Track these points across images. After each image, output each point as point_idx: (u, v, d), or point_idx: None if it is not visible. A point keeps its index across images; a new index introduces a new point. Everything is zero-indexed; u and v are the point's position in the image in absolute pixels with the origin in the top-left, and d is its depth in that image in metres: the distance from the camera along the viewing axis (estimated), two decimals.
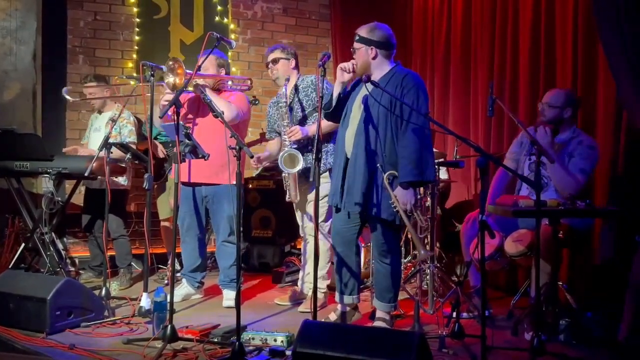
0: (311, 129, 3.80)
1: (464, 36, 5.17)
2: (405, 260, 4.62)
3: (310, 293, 3.75)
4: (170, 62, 3.67)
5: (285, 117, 3.88)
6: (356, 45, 3.35)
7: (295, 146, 3.78)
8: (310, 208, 3.91)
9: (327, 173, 3.81)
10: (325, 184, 3.75)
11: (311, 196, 3.88)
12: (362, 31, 3.35)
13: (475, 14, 5.03)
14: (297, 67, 4.01)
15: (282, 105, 3.89)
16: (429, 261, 3.74)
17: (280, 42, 4.18)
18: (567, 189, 3.39)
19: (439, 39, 5.49)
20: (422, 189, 3.82)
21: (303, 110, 3.89)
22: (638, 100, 2.87)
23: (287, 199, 3.94)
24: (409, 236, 4.53)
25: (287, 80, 3.93)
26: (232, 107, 3.79)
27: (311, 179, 3.09)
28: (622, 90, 3.00)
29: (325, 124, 3.63)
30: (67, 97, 4.52)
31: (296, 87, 3.92)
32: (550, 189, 3.55)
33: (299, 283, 4.13)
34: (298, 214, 4.08)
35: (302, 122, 3.89)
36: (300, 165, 3.67)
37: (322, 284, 3.92)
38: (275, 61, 3.95)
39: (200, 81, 3.81)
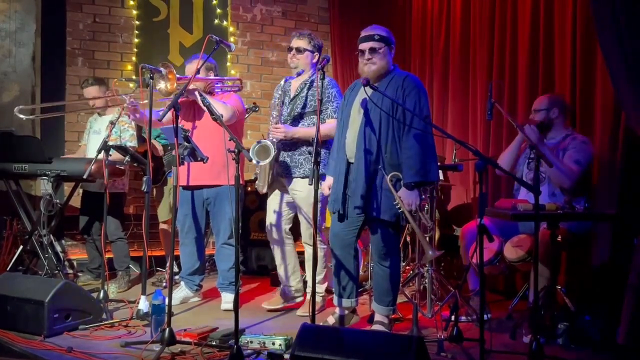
0: (296, 131, 3.71)
1: (462, 39, 5.17)
2: (404, 264, 4.62)
3: (308, 296, 3.75)
4: (161, 68, 3.68)
5: (277, 108, 3.80)
6: (376, 44, 3.25)
7: (275, 141, 3.71)
8: (301, 219, 3.86)
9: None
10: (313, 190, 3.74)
11: (304, 200, 3.78)
12: (380, 30, 3.29)
13: (474, 17, 5.03)
14: (317, 63, 3.82)
15: (278, 96, 3.82)
16: (429, 264, 3.73)
17: (307, 30, 3.93)
18: (563, 180, 3.44)
19: (438, 42, 5.49)
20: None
21: (304, 107, 3.78)
22: (636, 103, 2.87)
23: (255, 185, 3.85)
24: (408, 239, 4.55)
25: (299, 74, 3.80)
26: (228, 108, 3.79)
27: (310, 184, 3.07)
28: (620, 93, 3.01)
29: (323, 129, 3.56)
30: (20, 115, 4.38)
31: (311, 83, 3.77)
32: (545, 184, 3.59)
33: (283, 287, 4.00)
34: (269, 214, 3.95)
35: (297, 119, 3.79)
36: (271, 157, 3.55)
37: (320, 288, 3.90)
38: (300, 50, 3.77)
39: (190, 85, 3.81)
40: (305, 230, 3.87)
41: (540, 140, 3.51)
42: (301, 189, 3.78)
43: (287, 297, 3.96)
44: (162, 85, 3.68)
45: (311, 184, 3.53)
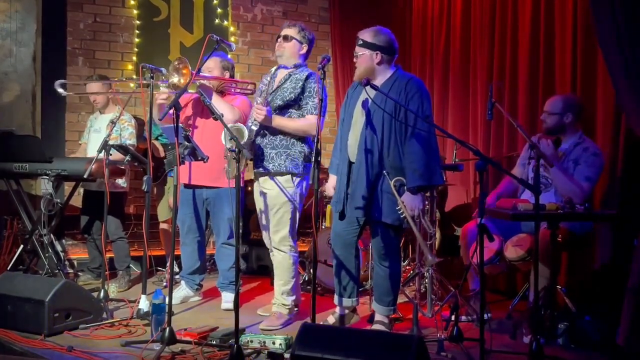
0: (277, 120, 3.49)
1: (463, 39, 5.17)
2: (405, 264, 4.62)
3: (272, 308, 3.65)
4: (176, 62, 3.64)
5: (262, 95, 3.60)
6: (359, 50, 3.29)
7: (257, 124, 3.52)
8: (266, 218, 3.64)
9: (290, 177, 3.56)
10: (287, 189, 3.57)
11: (273, 202, 3.59)
12: (366, 35, 3.29)
13: (475, 17, 5.03)
14: (306, 56, 3.70)
15: (267, 82, 3.66)
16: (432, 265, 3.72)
17: (301, 23, 3.78)
18: (573, 197, 3.36)
19: (439, 42, 5.49)
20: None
21: (282, 100, 3.55)
22: (636, 105, 2.88)
23: (225, 171, 3.46)
24: (409, 239, 4.55)
25: (281, 59, 3.63)
26: (235, 111, 3.78)
27: (310, 182, 3.06)
28: (620, 95, 3.01)
29: (302, 125, 3.49)
30: (60, 89, 4.33)
31: (289, 74, 3.61)
32: (551, 189, 3.57)
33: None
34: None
35: (277, 111, 3.57)
36: (244, 139, 3.33)
37: (287, 301, 3.64)
38: (287, 38, 3.61)
39: (206, 83, 3.81)
40: (273, 234, 3.62)
41: (556, 157, 3.45)
42: (271, 187, 3.58)
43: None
44: (175, 79, 3.64)
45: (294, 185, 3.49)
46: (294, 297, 3.67)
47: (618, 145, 3.66)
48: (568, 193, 3.39)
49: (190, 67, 3.63)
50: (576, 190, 3.38)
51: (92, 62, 5.65)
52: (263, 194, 3.64)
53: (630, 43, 2.82)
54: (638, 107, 2.87)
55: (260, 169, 3.59)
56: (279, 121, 3.51)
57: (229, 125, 3.20)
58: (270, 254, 3.81)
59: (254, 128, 3.56)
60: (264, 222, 3.69)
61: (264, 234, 3.75)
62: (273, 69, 3.79)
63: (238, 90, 4.05)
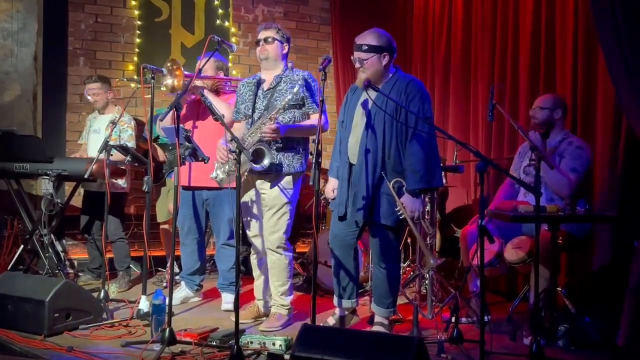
0: (288, 132, 3.43)
1: (464, 41, 5.17)
2: (404, 265, 4.62)
3: (272, 310, 3.63)
4: (169, 64, 3.68)
5: (264, 100, 3.53)
6: (363, 55, 3.21)
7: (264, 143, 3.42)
8: (265, 220, 3.57)
9: (291, 178, 3.53)
10: (287, 190, 3.53)
11: (270, 202, 3.52)
12: (370, 39, 3.23)
13: (476, 18, 5.03)
14: (287, 55, 3.68)
15: (248, 90, 3.62)
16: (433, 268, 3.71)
17: (275, 23, 3.78)
18: (561, 189, 3.44)
19: (440, 43, 5.49)
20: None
21: (283, 100, 3.45)
22: (636, 105, 2.88)
23: (211, 175, 3.53)
24: (409, 240, 4.54)
25: (266, 61, 3.59)
26: (231, 109, 3.79)
27: (311, 183, 3.04)
28: (620, 95, 3.01)
29: (312, 125, 3.41)
30: (89, 97, 4.64)
31: (280, 77, 3.58)
32: (544, 189, 3.58)
33: (258, 302, 3.77)
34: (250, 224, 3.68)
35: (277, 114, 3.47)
36: (267, 161, 3.34)
37: (286, 301, 3.61)
38: (268, 40, 3.60)
39: (199, 83, 3.81)
40: (269, 235, 3.54)
41: (544, 149, 3.48)
42: (270, 188, 3.53)
43: (266, 312, 3.72)
44: (169, 81, 3.67)
45: (288, 187, 3.47)
46: (292, 297, 3.65)
47: (618, 145, 3.66)
48: (557, 185, 3.45)
49: (182, 69, 3.65)
50: (564, 182, 3.43)
51: (93, 63, 5.65)
52: (259, 195, 3.59)
53: (630, 43, 2.82)
54: (638, 107, 2.87)
55: (261, 173, 3.48)
56: (289, 132, 3.45)
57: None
58: (253, 255, 3.73)
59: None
60: (256, 223, 3.63)
61: (255, 236, 3.66)
62: (248, 79, 3.72)
63: (232, 89, 4.06)
